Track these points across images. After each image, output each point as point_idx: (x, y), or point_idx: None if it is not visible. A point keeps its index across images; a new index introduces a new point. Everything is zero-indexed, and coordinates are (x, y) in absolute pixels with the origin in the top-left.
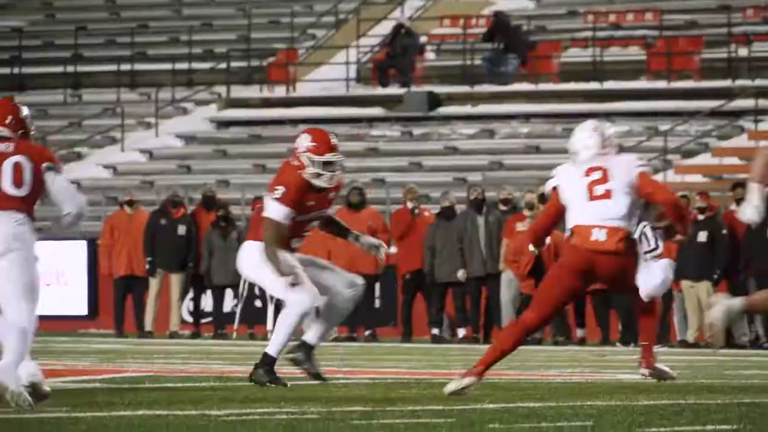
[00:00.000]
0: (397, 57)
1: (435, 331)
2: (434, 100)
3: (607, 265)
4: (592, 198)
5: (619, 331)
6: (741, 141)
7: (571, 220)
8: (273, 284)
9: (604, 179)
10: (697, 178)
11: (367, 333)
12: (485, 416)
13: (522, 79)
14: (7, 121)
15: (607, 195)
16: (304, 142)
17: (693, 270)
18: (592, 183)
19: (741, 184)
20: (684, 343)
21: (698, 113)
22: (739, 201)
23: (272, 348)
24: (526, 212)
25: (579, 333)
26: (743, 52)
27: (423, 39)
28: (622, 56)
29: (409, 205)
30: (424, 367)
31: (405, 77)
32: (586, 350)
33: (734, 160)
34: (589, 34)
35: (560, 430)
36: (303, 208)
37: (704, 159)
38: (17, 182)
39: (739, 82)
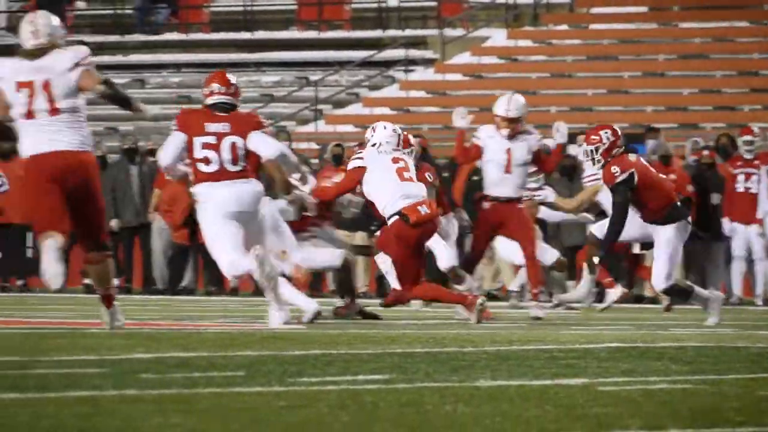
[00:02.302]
0: (47, 6)
1: (87, 280)
2: None
3: (431, 231)
4: (403, 180)
5: None
6: (392, 91)
7: (391, 203)
8: None
9: (406, 167)
10: (348, 128)
11: (19, 283)
12: (138, 366)
13: (173, 29)
14: None
15: (411, 179)
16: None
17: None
18: (400, 169)
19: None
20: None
21: (349, 63)
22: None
23: None
24: None
25: (233, 283)
26: (393, 2)
27: None
28: (272, 5)
29: None
30: (77, 317)
31: None
32: (238, 300)
33: (385, 110)
34: None
35: (212, 379)
36: None
37: (355, 109)
38: None
39: (390, 32)
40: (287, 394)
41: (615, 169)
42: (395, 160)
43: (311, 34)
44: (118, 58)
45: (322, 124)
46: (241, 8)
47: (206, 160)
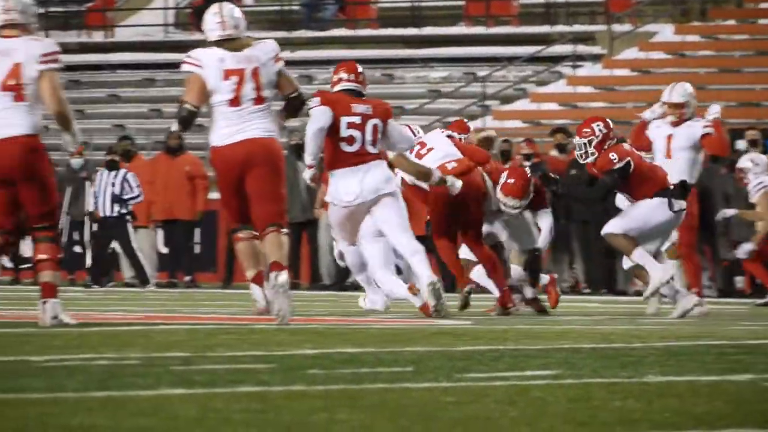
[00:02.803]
0: (215, 2)
1: None
2: None
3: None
4: (421, 158)
5: None
6: (559, 87)
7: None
8: None
9: (423, 146)
10: (516, 123)
11: (187, 279)
12: (305, 362)
13: (340, 25)
14: None
15: (431, 149)
16: None
17: None
18: (416, 154)
19: (560, 130)
20: None
21: (516, 59)
22: (558, 147)
23: None
24: None
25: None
26: None
27: None
28: (440, 1)
29: None
30: (244, 313)
31: None
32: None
33: (553, 106)
34: None
35: (379, 375)
36: None
37: (523, 105)
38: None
39: (557, 28)
40: (455, 390)
41: (613, 156)
42: (411, 150)
43: (479, 30)
44: (285, 54)
45: (490, 119)
46: (408, 4)
47: (350, 140)
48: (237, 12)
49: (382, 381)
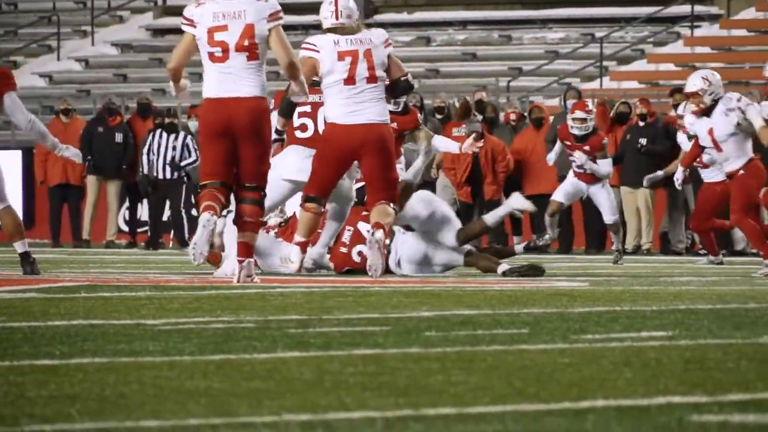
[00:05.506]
0: None
1: None
2: (370, 8)
3: None
4: None
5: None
6: (677, 47)
7: None
8: None
9: None
10: (633, 84)
11: None
12: (421, 324)
13: None
14: None
15: None
16: None
17: (632, 176)
18: None
19: (678, 90)
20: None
21: (634, 19)
22: (676, 107)
23: None
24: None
25: (516, 241)
26: None
27: None
28: None
29: None
30: (359, 276)
31: None
32: (523, 258)
33: (670, 67)
34: None
35: (496, 337)
36: None
37: (640, 65)
38: None
39: None
40: (571, 351)
41: None
42: None
43: None
44: (403, 16)
45: (607, 80)
46: None
47: (303, 128)
48: (351, 2)
49: (498, 343)
